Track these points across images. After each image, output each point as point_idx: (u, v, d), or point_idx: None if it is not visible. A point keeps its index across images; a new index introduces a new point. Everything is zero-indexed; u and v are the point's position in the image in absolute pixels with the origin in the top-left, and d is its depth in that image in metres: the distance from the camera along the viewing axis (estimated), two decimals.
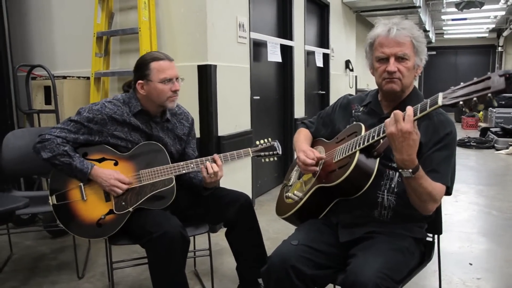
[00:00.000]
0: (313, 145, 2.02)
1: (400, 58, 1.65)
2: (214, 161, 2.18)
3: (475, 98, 1.27)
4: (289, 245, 1.63)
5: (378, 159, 1.62)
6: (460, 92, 1.32)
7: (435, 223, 1.85)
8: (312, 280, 1.58)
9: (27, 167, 2.75)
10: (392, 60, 1.65)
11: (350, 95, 2.03)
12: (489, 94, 1.24)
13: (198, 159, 2.19)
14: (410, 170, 1.46)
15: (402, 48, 1.65)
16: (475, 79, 1.30)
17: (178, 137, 2.35)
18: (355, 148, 1.63)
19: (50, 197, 2.11)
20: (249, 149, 2.25)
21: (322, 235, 1.71)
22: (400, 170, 1.49)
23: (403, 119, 1.40)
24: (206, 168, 2.15)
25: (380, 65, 1.69)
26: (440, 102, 1.36)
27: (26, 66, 3.73)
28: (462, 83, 1.34)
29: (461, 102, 1.30)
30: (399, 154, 1.45)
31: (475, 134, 9.38)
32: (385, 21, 1.71)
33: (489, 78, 1.26)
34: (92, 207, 2.10)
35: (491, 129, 8.81)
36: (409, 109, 1.42)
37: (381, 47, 1.67)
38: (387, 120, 1.45)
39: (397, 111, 1.42)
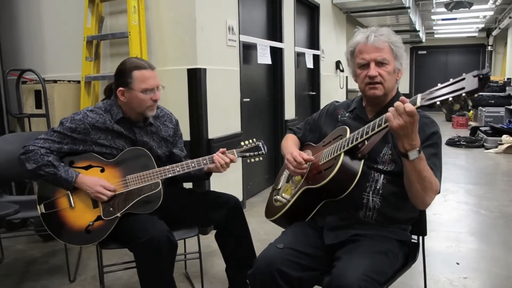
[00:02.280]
0: (301, 149, 2.06)
1: (380, 63, 1.72)
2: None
3: (450, 99, 1.32)
4: (274, 249, 1.66)
5: (362, 161, 1.67)
6: (437, 93, 1.37)
7: (419, 225, 1.89)
8: (298, 283, 1.61)
9: (18, 172, 2.70)
10: (372, 65, 1.72)
11: (337, 101, 2.08)
12: (464, 94, 1.29)
13: (183, 162, 2.22)
14: (417, 149, 1.49)
15: (381, 53, 1.71)
16: (451, 80, 1.36)
17: (163, 139, 2.37)
18: (340, 150, 1.67)
19: (38, 206, 2.13)
20: (234, 150, 2.28)
21: (308, 238, 1.74)
22: (408, 153, 1.49)
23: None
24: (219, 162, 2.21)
25: (362, 71, 1.76)
26: (418, 103, 1.40)
27: (16, 70, 3.74)
28: (439, 84, 1.39)
29: (438, 103, 1.35)
30: (408, 139, 1.47)
31: (465, 133, 9.46)
32: (364, 30, 1.79)
33: (463, 79, 1.31)
34: (80, 214, 2.11)
35: (480, 128, 8.87)
36: (397, 103, 1.44)
37: (361, 53, 1.74)
38: (389, 115, 1.46)
39: (398, 103, 1.44)
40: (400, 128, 1.44)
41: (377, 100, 1.78)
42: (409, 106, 1.40)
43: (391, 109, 1.46)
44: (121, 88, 2.18)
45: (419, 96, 1.42)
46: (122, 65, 2.22)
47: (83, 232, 2.10)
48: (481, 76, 1.26)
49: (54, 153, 2.12)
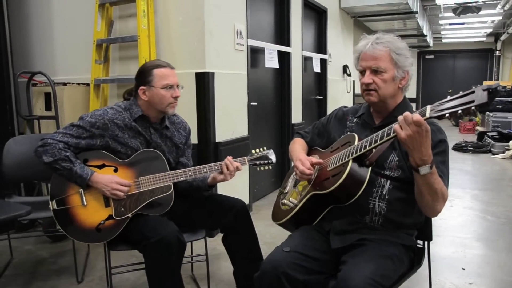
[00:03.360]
0: (309, 154, 2.08)
1: (375, 71, 1.74)
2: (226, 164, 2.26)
3: (460, 111, 1.33)
4: (281, 252, 1.68)
5: (370, 168, 1.68)
6: (447, 105, 1.37)
7: (425, 230, 1.91)
8: (304, 286, 1.62)
9: (28, 173, 2.79)
10: (367, 72, 1.76)
11: (345, 107, 2.10)
12: (473, 108, 1.30)
13: (195, 167, 2.24)
14: (429, 165, 1.50)
15: (377, 61, 1.73)
16: (461, 93, 1.36)
17: (175, 145, 2.41)
18: (348, 157, 1.69)
19: (50, 202, 2.15)
20: (245, 158, 2.31)
21: (315, 241, 1.76)
22: (419, 169, 1.51)
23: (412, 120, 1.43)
24: (227, 166, 2.23)
25: (361, 77, 1.80)
26: (428, 114, 1.41)
27: (27, 72, 3.79)
28: (448, 96, 1.39)
29: (447, 115, 1.36)
30: (418, 152, 1.48)
31: (472, 138, 9.43)
32: (368, 36, 1.81)
33: (473, 92, 1.31)
34: (92, 212, 2.14)
35: (488, 133, 8.84)
36: (406, 113, 1.45)
37: (361, 60, 1.78)
38: (397, 126, 1.48)
39: (406, 113, 1.45)
40: (409, 139, 1.45)
41: (376, 105, 1.81)
42: (416, 116, 1.41)
43: (399, 118, 1.47)
44: (142, 87, 2.25)
45: (428, 107, 1.42)
46: (143, 66, 2.32)
47: (93, 230, 2.13)
48: (490, 90, 1.26)
49: (71, 149, 2.15)
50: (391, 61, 1.74)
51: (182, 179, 2.21)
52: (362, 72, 1.78)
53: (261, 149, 2.34)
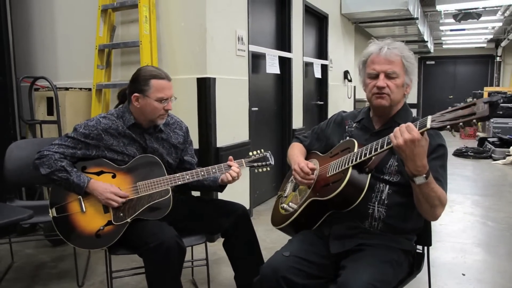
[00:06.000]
0: (307, 157, 2.09)
1: (389, 75, 1.74)
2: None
3: (461, 123, 1.34)
4: (281, 256, 1.69)
5: (369, 175, 1.69)
6: (448, 116, 1.39)
7: (424, 235, 1.91)
8: None
9: (29, 177, 2.80)
10: (382, 76, 1.75)
11: (344, 111, 2.11)
12: (474, 120, 1.31)
13: (193, 170, 2.26)
14: (424, 175, 1.52)
15: (392, 66, 1.74)
16: (462, 104, 1.38)
17: (173, 146, 2.42)
18: (348, 164, 1.69)
19: (50, 210, 2.17)
20: (243, 160, 2.32)
21: (314, 246, 1.77)
22: (414, 178, 1.54)
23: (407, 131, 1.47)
24: (231, 175, 2.28)
25: (371, 81, 1.79)
26: (428, 125, 1.43)
27: (29, 77, 3.81)
28: (450, 107, 1.41)
29: (448, 126, 1.38)
30: (411, 162, 1.51)
31: (473, 143, 9.43)
32: (378, 41, 1.81)
33: (474, 104, 1.33)
34: (91, 219, 2.15)
35: (488, 139, 8.85)
36: (401, 125, 1.50)
37: (373, 64, 1.78)
38: (391, 135, 1.52)
39: (402, 126, 1.49)
40: (401, 149, 1.48)
41: (383, 110, 1.81)
42: (410, 127, 1.46)
43: (396, 128, 1.50)
44: (136, 94, 2.23)
45: (429, 118, 1.44)
46: (140, 72, 2.27)
47: (93, 237, 2.14)
48: (491, 103, 1.28)
49: (67, 158, 2.17)
50: (402, 67, 1.76)
51: (180, 183, 2.22)
52: (373, 76, 1.78)
53: (258, 151, 2.35)
